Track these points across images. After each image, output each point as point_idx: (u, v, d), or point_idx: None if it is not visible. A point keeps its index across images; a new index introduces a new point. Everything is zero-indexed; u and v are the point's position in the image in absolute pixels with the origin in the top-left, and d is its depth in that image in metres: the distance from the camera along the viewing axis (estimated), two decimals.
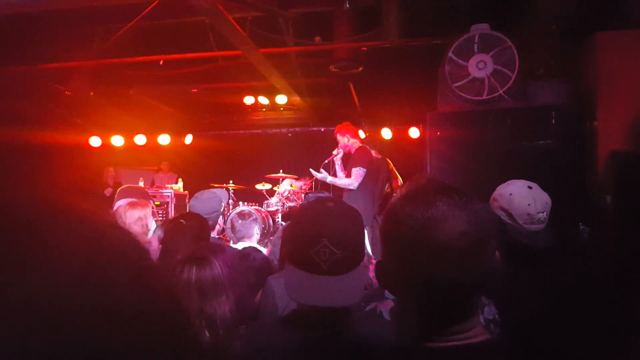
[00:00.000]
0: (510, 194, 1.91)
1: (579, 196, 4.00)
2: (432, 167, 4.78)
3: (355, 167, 5.06)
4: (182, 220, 2.49)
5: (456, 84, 4.70)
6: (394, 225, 0.95)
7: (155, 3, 4.25)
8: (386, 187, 6.21)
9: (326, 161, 5.49)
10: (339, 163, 5.36)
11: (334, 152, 5.35)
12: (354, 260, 1.29)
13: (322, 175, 5.21)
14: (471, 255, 0.88)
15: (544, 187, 1.95)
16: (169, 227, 2.48)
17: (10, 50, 5.24)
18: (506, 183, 2.00)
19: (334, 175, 5.34)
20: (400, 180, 6.23)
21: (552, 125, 4.39)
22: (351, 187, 5.04)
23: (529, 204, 1.87)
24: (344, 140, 5.35)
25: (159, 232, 2.52)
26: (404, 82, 6.21)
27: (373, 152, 5.62)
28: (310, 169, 5.43)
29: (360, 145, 5.29)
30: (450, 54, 4.70)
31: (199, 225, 2.54)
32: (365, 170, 5.03)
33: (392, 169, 6.27)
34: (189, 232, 2.45)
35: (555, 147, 4.33)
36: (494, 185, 2.02)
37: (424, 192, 0.95)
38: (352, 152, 5.25)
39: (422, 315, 0.93)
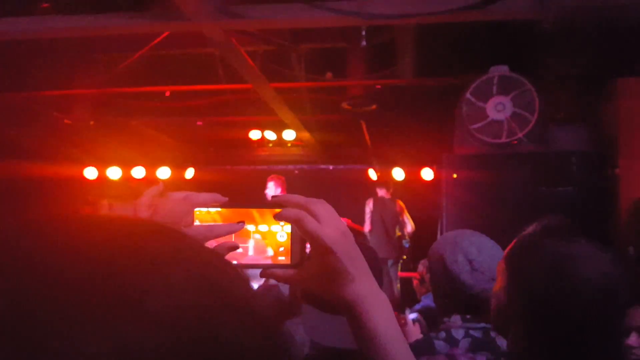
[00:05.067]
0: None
1: None
2: (447, 211, 5.07)
3: None
4: None
5: (474, 126, 4.98)
6: (530, 258, 1.04)
7: (164, 35, 4.51)
8: (397, 230, 7.17)
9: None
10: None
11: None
12: None
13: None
14: (609, 297, 0.98)
15: None
16: None
17: (9, 76, 5.65)
18: None
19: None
20: (410, 226, 6.51)
21: (572, 172, 4.77)
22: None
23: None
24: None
25: None
26: (418, 122, 6.78)
27: (381, 192, 7.02)
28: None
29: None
30: (467, 95, 5.03)
31: None
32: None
33: (403, 211, 6.50)
34: None
35: (575, 194, 4.67)
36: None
37: (565, 229, 1.06)
38: None
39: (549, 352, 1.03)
